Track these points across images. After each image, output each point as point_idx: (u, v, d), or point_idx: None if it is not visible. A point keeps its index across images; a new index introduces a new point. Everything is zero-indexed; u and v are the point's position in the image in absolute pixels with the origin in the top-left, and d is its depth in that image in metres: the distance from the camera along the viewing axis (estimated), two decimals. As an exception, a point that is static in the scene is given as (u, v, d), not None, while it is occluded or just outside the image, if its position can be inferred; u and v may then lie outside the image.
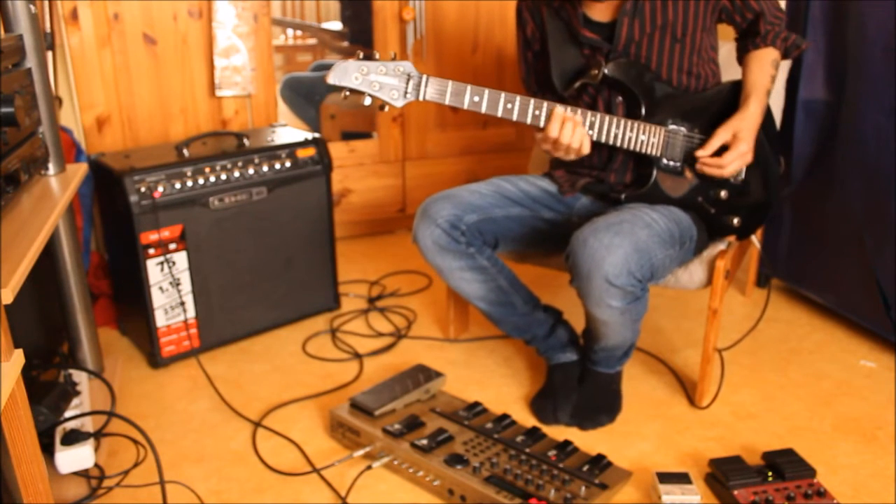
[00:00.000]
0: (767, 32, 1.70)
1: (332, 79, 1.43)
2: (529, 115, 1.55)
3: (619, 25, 1.66)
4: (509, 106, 1.54)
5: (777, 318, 2.26)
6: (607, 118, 1.61)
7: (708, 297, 1.75)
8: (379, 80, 1.45)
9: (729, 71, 1.86)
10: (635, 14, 1.65)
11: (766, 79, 1.69)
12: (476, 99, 1.51)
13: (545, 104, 1.56)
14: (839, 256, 2.12)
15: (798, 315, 2.27)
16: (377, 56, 1.46)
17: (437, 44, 2.74)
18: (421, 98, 1.49)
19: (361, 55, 1.45)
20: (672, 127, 1.68)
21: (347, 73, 1.44)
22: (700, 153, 1.66)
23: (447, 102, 1.50)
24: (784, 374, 1.97)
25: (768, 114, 1.75)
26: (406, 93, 1.48)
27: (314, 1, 4.04)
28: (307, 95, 3.32)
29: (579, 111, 1.58)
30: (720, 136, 1.64)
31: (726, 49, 1.92)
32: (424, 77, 1.48)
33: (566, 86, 1.73)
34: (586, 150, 1.60)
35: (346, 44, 3.40)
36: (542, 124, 1.57)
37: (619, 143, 1.64)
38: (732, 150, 1.64)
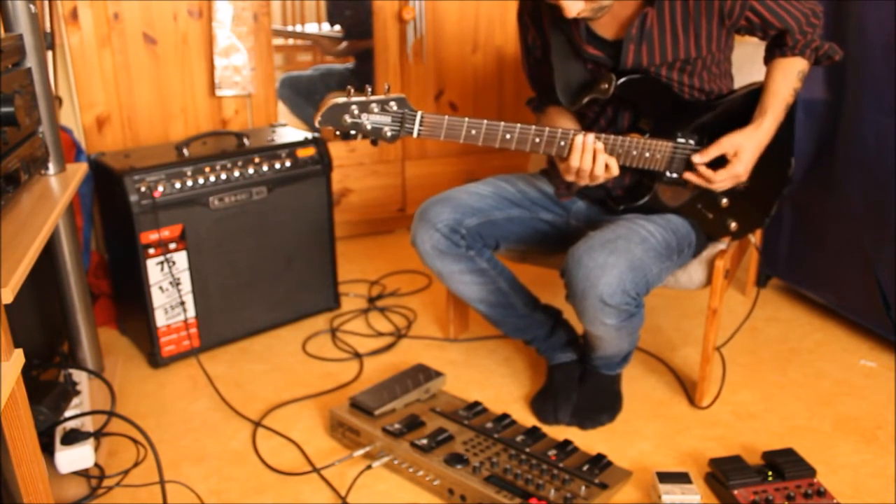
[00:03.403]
0: (797, 43, 1.59)
1: (322, 121, 1.38)
2: (529, 143, 1.51)
3: (625, 52, 1.58)
4: (507, 136, 1.48)
5: (777, 317, 2.26)
6: (611, 138, 1.55)
7: (707, 296, 1.75)
8: (371, 119, 1.40)
9: (741, 71, 1.83)
10: (642, 39, 1.57)
11: (788, 91, 1.61)
12: (473, 132, 1.46)
13: (546, 130, 1.51)
14: (839, 256, 2.12)
15: (798, 315, 2.27)
16: (369, 91, 1.40)
17: (437, 44, 2.74)
18: (415, 135, 1.44)
19: (352, 91, 1.39)
20: (680, 140, 1.63)
21: (337, 115, 1.39)
22: (696, 158, 1.60)
23: (442, 138, 1.45)
24: (784, 373, 1.97)
25: (786, 116, 1.66)
26: (400, 129, 1.42)
27: (314, 0, 4.03)
28: (307, 95, 3.32)
29: (584, 136, 1.52)
30: (722, 147, 1.59)
31: (743, 49, 1.88)
32: (419, 113, 1.43)
33: (572, 100, 1.67)
34: (615, 171, 1.54)
35: (344, 44, 3.40)
36: (541, 151, 1.53)
37: (623, 162, 1.59)
38: (727, 169, 1.59)
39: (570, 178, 1.57)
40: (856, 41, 1.95)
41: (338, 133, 1.41)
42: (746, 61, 1.78)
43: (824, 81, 2.09)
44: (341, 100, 1.38)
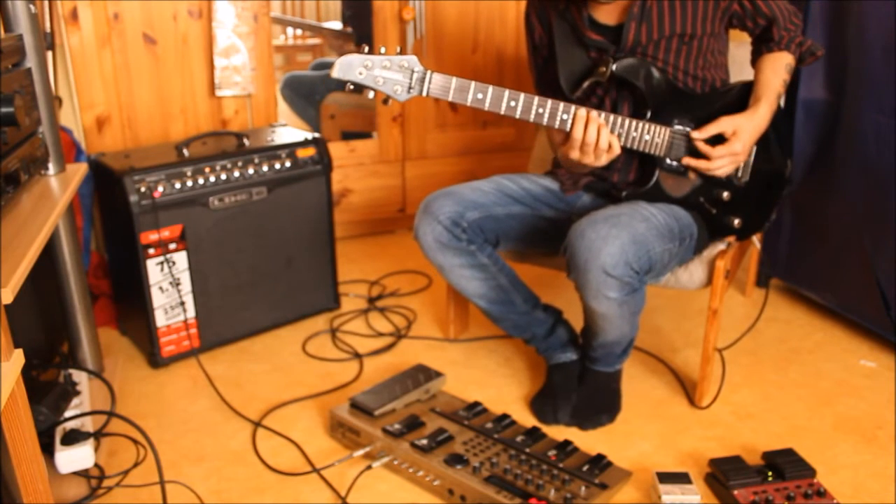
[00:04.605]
0: (782, 38, 1.68)
1: (337, 72, 1.44)
2: (533, 112, 1.54)
3: (627, 30, 1.65)
4: (512, 104, 1.53)
5: (777, 317, 2.26)
6: (612, 117, 1.59)
7: (708, 296, 1.75)
8: (383, 74, 1.45)
9: (742, 71, 1.85)
10: (642, 18, 1.64)
11: (779, 82, 1.68)
12: (479, 96, 1.51)
13: (549, 102, 1.55)
14: (839, 256, 2.12)
15: (798, 315, 2.27)
16: (383, 50, 1.46)
17: (437, 44, 2.74)
18: (424, 94, 1.49)
19: (366, 49, 1.45)
20: (678, 127, 1.67)
21: (351, 68, 1.44)
22: (695, 134, 1.64)
23: (450, 99, 1.50)
24: (784, 373, 1.97)
25: (781, 115, 1.73)
26: (410, 88, 1.47)
27: (314, 0, 4.04)
28: (307, 95, 3.32)
29: (587, 110, 1.56)
30: (720, 125, 1.63)
31: (741, 50, 1.90)
32: (428, 72, 1.48)
33: (574, 87, 1.72)
34: (617, 150, 1.58)
35: (352, 47, 3.40)
36: (545, 122, 1.56)
37: (623, 143, 1.62)
38: (725, 146, 1.62)
39: (574, 154, 1.59)
40: (856, 41, 1.95)
41: (351, 87, 1.46)
42: (747, 62, 1.79)
43: (824, 81, 2.09)
44: (356, 54, 1.44)
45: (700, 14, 1.65)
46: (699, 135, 1.64)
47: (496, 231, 1.78)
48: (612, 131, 1.60)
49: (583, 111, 1.55)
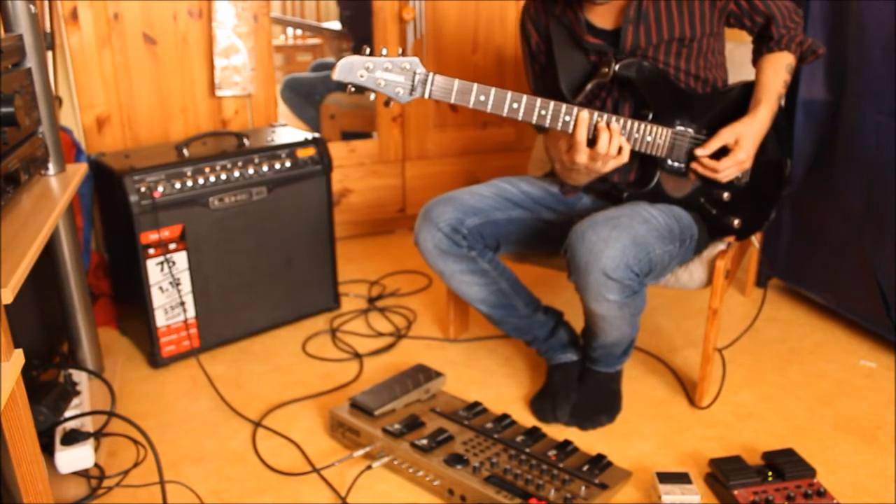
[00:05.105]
0: (782, 37, 1.67)
1: (338, 75, 1.42)
2: (535, 114, 1.54)
3: (624, 33, 1.64)
4: (515, 106, 1.52)
5: (777, 317, 2.26)
6: (613, 118, 1.58)
7: (708, 296, 1.75)
8: (384, 76, 1.44)
9: (741, 71, 1.85)
10: (639, 20, 1.63)
11: (779, 83, 1.67)
12: (482, 98, 1.50)
13: (551, 104, 1.54)
14: (839, 256, 2.12)
15: (798, 315, 2.27)
16: (384, 52, 1.45)
17: (437, 44, 2.74)
18: (426, 96, 1.47)
19: (368, 51, 1.44)
20: (679, 128, 1.66)
21: (353, 70, 1.43)
22: (699, 151, 1.64)
23: (453, 101, 1.49)
24: (784, 374, 1.97)
25: (780, 115, 1.73)
26: (412, 90, 1.46)
27: (314, 1, 4.04)
28: (307, 95, 3.32)
29: (589, 111, 1.55)
30: (722, 138, 1.63)
31: (741, 50, 1.91)
32: (430, 74, 1.47)
33: (575, 92, 1.71)
34: (625, 157, 1.57)
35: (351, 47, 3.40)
36: (547, 124, 1.55)
37: None
38: (730, 157, 1.63)
39: (580, 157, 1.57)
40: (856, 41, 1.95)
41: (353, 89, 1.45)
42: (746, 62, 1.80)
43: (824, 81, 2.09)
44: (357, 56, 1.43)
45: (697, 15, 1.64)
46: (703, 152, 1.64)
47: (496, 236, 1.78)
48: None
49: (585, 113, 1.55)
